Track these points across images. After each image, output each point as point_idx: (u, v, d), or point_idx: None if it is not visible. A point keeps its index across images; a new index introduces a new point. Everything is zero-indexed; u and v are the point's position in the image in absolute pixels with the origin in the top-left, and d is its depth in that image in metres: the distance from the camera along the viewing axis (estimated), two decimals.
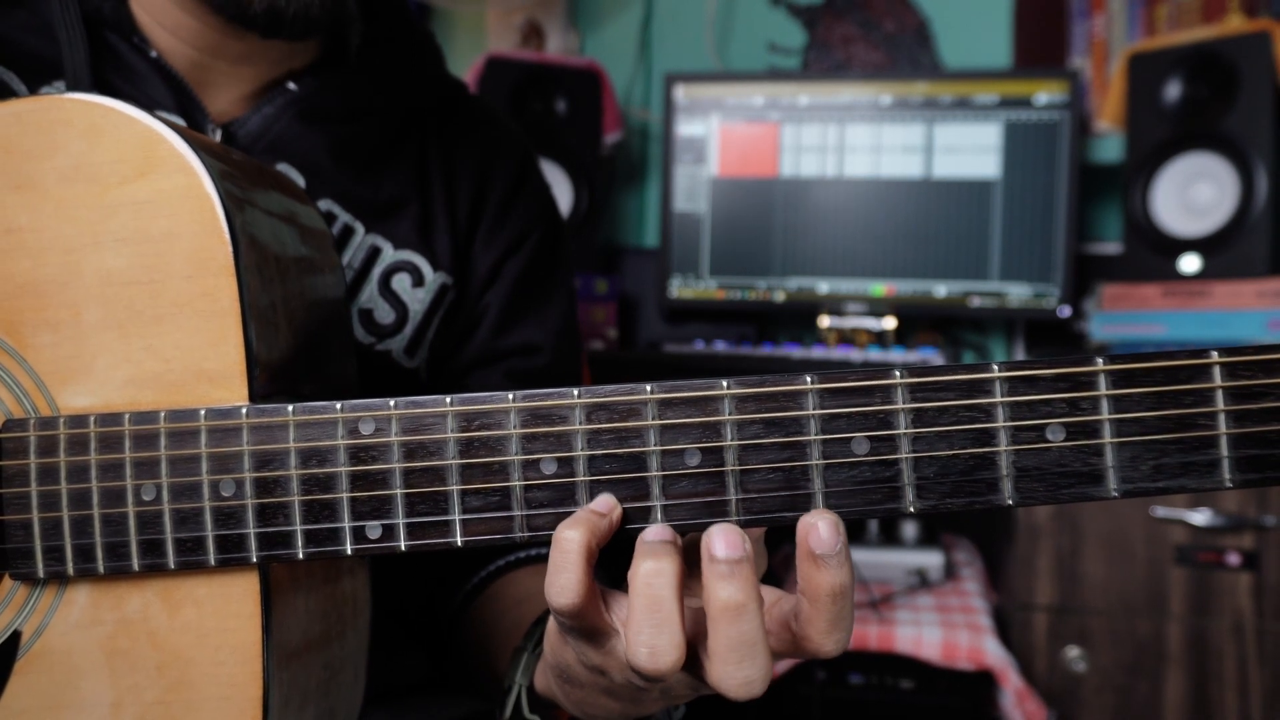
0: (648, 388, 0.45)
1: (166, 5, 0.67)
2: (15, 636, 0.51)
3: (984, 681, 1.39)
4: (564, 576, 0.43)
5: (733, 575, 0.41)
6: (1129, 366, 0.42)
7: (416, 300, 0.75)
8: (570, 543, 0.43)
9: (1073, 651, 1.46)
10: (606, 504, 0.45)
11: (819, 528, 0.42)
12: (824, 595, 0.42)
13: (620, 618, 0.46)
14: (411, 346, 0.75)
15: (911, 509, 0.44)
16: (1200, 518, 1.41)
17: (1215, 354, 0.42)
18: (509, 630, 0.66)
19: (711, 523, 0.44)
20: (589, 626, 0.45)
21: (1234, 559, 1.41)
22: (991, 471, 0.43)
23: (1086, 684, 1.46)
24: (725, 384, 0.45)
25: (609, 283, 1.92)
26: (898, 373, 0.43)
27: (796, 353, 1.72)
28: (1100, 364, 0.42)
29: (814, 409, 0.44)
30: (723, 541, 0.42)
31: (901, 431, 0.43)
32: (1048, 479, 0.43)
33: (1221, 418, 0.42)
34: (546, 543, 0.46)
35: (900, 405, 0.43)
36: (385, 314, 0.74)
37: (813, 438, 0.44)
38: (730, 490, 0.45)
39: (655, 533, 0.44)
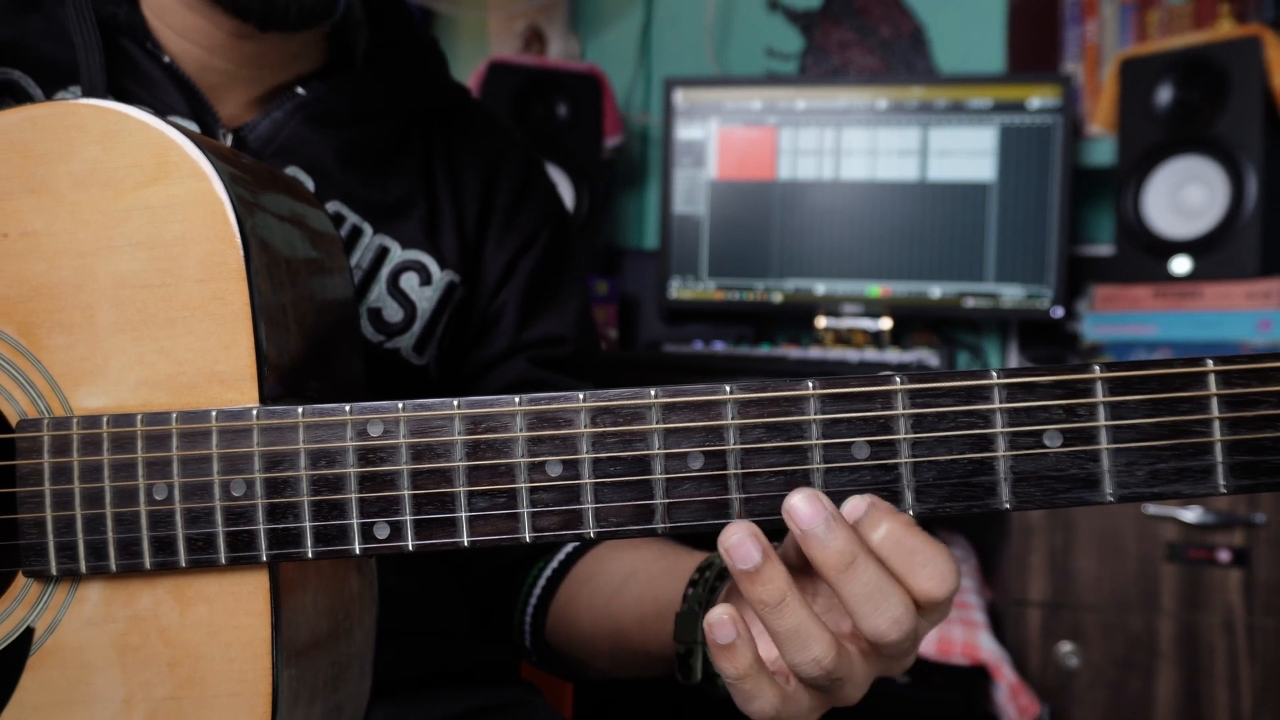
0: (652, 392, 0.46)
1: (174, 5, 0.68)
2: (28, 633, 0.52)
3: (978, 676, 1.40)
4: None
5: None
6: (1125, 374, 0.43)
7: (424, 298, 0.76)
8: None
9: (1065, 647, 1.47)
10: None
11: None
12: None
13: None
14: (420, 344, 0.76)
15: (911, 512, 0.44)
16: (1191, 515, 1.42)
17: (1210, 362, 0.42)
18: (634, 603, 0.66)
19: (721, 523, 0.45)
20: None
21: (1225, 556, 1.42)
22: (989, 476, 0.44)
23: (1079, 679, 1.47)
24: (728, 388, 0.45)
25: (609, 284, 1.93)
26: (898, 378, 0.44)
27: (794, 353, 1.73)
28: (1097, 371, 0.43)
29: (815, 414, 0.45)
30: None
31: (901, 436, 0.44)
32: (1045, 484, 0.43)
33: (1216, 425, 0.42)
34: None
35: (900, 410, 0.44)
36: (394, 312, 0.75)
37: (814, 442, 0.45)
38: (733, 493, 0.45)
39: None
